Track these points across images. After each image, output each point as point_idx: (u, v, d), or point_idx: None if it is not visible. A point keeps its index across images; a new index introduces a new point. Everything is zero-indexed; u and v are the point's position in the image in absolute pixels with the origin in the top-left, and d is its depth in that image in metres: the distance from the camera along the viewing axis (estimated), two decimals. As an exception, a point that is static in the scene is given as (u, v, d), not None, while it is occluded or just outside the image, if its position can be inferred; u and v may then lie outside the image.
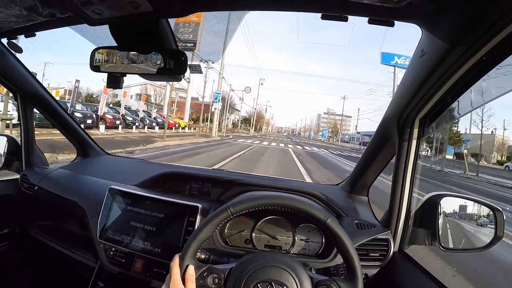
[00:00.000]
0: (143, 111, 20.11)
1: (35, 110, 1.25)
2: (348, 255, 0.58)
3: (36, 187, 1.15)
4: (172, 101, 33.99)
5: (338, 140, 49.89)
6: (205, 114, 32.18)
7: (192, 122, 28.04)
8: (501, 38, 0.48)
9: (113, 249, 0.87)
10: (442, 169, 15.48)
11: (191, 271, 0.57)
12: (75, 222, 1.12)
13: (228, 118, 43.90)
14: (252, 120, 47.95)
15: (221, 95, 20.22)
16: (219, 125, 31.12)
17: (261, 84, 46.49)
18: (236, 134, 31.77)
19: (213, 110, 20.29)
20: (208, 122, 25.73)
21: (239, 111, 48.86)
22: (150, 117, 20.04)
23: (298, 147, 21.09)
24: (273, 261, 0.59)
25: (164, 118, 19.98)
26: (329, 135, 62.32)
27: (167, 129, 12.55)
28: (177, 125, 21.75)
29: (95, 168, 1.34)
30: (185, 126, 22.85)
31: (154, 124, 18.64)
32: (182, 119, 25.43)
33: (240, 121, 50.70)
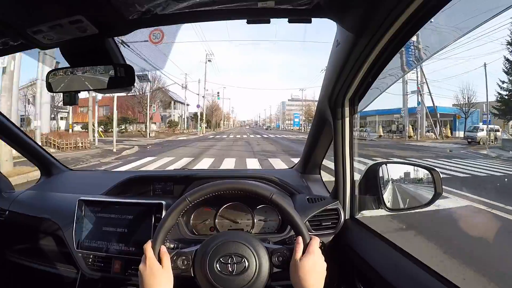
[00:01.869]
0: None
1: None
2: (294, 223, 0.67)
3: (7, 211, 1.17)
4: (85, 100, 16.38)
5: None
6: (130, 112, 23.06)
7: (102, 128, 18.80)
8: (395, 29, 0.58)
9: (91, 256, 0.92)
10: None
11: (163, 249, 0.64)
12: (51, 238, 1.15)
13: (169, 115, 32.80)
14: (199, 114, 30.73)
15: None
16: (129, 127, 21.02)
17: (209, 61, 33.14)
18: (171, 138, 19.87)
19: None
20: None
21: (182, 103, 35.05)
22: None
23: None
24: (232, 238, 0.67)
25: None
26: (302, 123, 55.14)
27: None
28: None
29: (61, 184, 1.38)
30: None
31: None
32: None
33: (189, 117, 37.78)
